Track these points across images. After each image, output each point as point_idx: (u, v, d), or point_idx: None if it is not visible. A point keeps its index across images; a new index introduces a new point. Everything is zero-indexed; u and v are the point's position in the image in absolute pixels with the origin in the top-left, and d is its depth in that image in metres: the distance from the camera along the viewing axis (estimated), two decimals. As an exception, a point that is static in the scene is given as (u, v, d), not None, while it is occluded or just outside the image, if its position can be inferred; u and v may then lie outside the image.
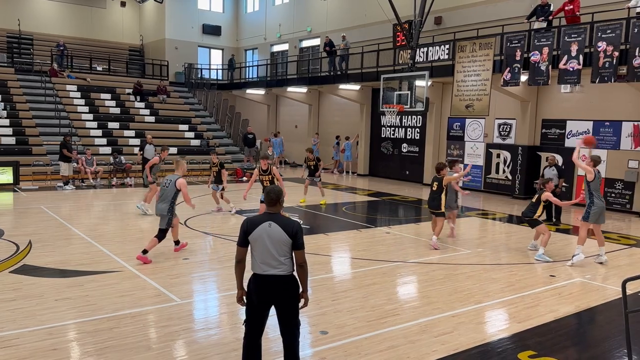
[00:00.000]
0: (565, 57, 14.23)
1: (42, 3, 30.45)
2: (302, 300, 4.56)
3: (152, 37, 32.63)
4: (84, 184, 17.94)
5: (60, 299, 6.67)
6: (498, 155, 18.54)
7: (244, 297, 4.60)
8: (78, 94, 24.34)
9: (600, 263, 9.24)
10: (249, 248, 4.46)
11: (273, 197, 4.49)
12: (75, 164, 17.76)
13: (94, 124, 22.48)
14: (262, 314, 4.54)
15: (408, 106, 16.01)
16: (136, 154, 19.50)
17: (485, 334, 6.02)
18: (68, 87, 24.59)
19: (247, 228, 4.43)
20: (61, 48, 27.52)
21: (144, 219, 12.67)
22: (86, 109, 23.44)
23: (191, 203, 9.29)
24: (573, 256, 9.15)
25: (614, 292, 7.55)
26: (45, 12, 30.71)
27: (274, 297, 4.45)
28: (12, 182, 16.87)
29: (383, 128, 22.94)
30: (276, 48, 30.79)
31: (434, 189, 10.24)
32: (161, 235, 8.59)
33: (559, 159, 16.63)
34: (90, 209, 14.27)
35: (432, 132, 20.56)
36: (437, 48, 18.04)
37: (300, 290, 4.53)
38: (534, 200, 9.93)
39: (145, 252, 8.46)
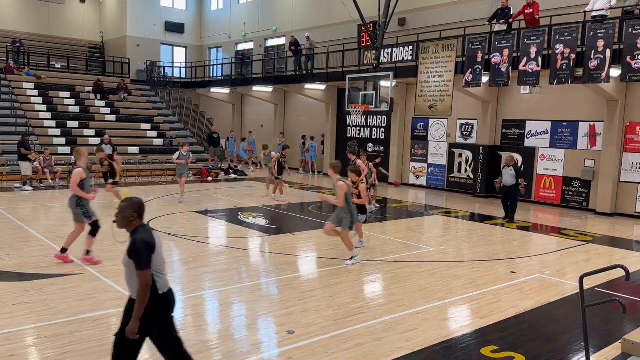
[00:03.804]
0: (525, 59, 14.62)
1: (-4, -3, 29.42)
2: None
3: (113, 34, 31.90)
4: (42, 185, 17.39)
5: (19, 303, 6.45)
6: (460, 155, 18.90)
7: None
8: (35, 92, 23.59)
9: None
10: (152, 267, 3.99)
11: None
12: (34, 163, 17.22)
13: (52, 123, 21.83)
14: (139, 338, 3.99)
15: (373, 106, 16.15)
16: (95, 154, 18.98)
17: (449, 330, 6.12)
18: (25, 85, 23.80)
19: (155, 243, 4.02)
20: (17, 45, 26.61)
21: (104, 221, 12.36)
22: (44, 107, 22.74)
23: (80, 193, 8.24)
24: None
25: (572, 288, 7.79)
26: (0, 7, 29.65)
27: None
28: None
29: (349, 128, 23.06)
30: (241, 47, 30.57)
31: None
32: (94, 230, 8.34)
33: (519, 159, 17.10)
34: (49, 211, 13.85)
35: (396, 132, 20.78)
36: (401, 49, 18.26)
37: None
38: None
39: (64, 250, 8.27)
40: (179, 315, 6.50)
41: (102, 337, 5.54)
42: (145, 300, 3.88)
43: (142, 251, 3.88)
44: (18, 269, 7.90)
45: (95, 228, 8.39)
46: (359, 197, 9.65)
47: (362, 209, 9.90)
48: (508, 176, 13.33)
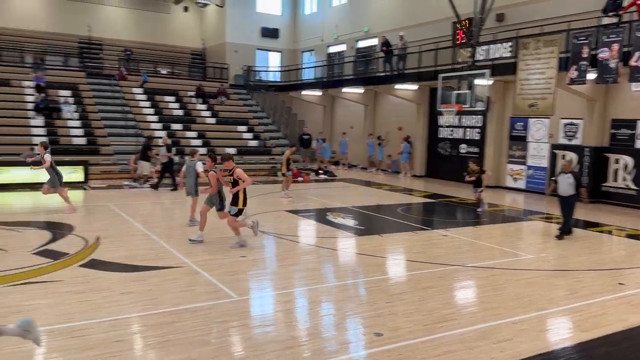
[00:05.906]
0: (637, 54, 13.47)
1: (110, 10, 31.89)
2: None
3: (213, 41, 33.48)
4: (147, 184, 18.61)
5: (126, 292, 6.95)
6: (563, 157, 17.76)
7: None
8: (144, 97, 25.38)
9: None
10: None
11: None
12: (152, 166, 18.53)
13: (159, 125, 23.37)
14: None
15: (467, 105, 15.67)
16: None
17: (548, 343, 5.79)
18: (134, 90, 25.67)
19: None
20: (128, 53, 28.76)
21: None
22: (151, 110, 24.42)
23: None
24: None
25: (691, 303, 7.07)
26: (113, 18, 32.14)
27: None
28: (82, 180, 17.81)
29: (440, 128, 22.51)
30: (332, 49, 30.88)
31: None
32: None
33: (629, 161, 15.79)
34: (154, 207, 14.79)
35: (493, 133, 19.98)
36: (498, 46, 17.54)
37: None
38: None
39: None
40: (270, 310, 6.68)
41: (200, 328, 5.82)
42: None
43: None
44: (126, 261, 8.51)
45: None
46: None
47: None
48: (565, 184, 10.73)
